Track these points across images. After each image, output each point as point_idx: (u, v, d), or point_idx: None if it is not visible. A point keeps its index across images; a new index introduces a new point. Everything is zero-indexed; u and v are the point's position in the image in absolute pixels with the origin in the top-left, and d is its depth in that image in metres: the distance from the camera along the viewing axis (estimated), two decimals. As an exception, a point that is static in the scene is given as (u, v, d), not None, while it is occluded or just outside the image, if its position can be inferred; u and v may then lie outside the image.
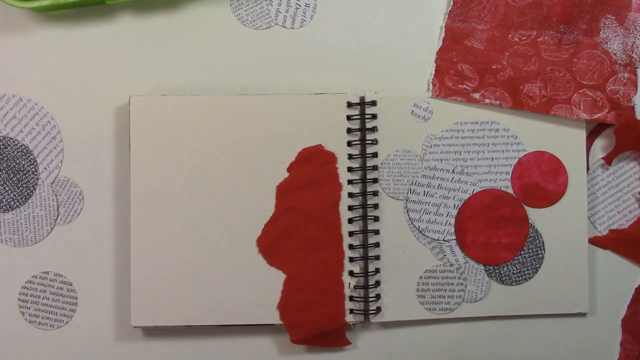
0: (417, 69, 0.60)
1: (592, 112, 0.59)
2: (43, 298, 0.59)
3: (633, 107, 0.59)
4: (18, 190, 0.58)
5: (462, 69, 0.59)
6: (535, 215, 0.60)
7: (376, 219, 0.59)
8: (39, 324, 0.59)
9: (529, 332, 0.60)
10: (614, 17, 0.60)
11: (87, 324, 0.59)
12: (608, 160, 0.60)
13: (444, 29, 0.60)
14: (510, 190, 0.59)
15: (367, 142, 0.59)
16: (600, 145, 0.61)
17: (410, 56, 0.60)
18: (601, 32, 0.60)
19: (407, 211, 0.59)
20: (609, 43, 0.60)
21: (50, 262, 0.59)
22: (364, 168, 0.59)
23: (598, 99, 0.59)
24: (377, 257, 0.59)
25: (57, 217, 0.59)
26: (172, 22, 0.60)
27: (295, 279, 0.58)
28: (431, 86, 0.59)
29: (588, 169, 0.61)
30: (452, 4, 0.60)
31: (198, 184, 0.58)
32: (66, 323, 0.59)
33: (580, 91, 0.59)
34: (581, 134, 0.60)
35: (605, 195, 0.61)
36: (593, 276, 0.61)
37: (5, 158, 0.58)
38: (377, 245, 0.59)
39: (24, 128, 0.59)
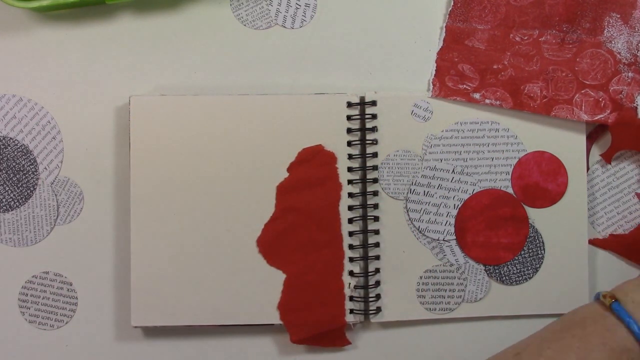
0: (417, 69, 0.59)
1: (594, 113, 0.58)
2: (43, 298, 0.58)
3: (636, 108, 0.58)
4: (18, 190, 0.57)
5: (462, 69, 0.58)
6: (535, 215, 0.59)
7: (376, 219, 0.58)
8: (39, 324, 0.58)
9: (529, 332, 0.59)
10: (618, 16, 0.58)
11: (87, 324, 0.58)
12: (607, 157, 0.59)
13: (444, 29, 0.59)
14: (510, 190, 0.58)
15: (367, 142, 0.58)
16: (601, 146, 0.60)
17: (410, 56, 0.60)
18: (605, 31, 0.58)
19: (407, 211, 0.58)
20: (613, 42, 0.58)
21: (50, 262, 0.58)
22: (364, 168, 0.58)
23: (600, 99, 0.58)
24: (377, 257, 0.58)
25: (57, 217, 0.58)
26: (172, 22, 0.59)
27: (295, 279, 0.57)
28: (431, 86, 0.58)
29: (588, 169, 0.59)
30: (452, 4, 0.59)
31: (198, 184, 0.57)
32: (66, 323, 0.58)
33: (583, 91, 0.58)
34: (581, 134, 0.59)
35: (605, 197, 0.60)
36: (593, 276, 0.60)
37: (5, 158, 0.57)
38: (377, 245, 0.58)
39: (24, 128, 0.58)
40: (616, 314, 0.50)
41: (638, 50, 0.58)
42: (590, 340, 0.50)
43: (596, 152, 0.60)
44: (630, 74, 0.58)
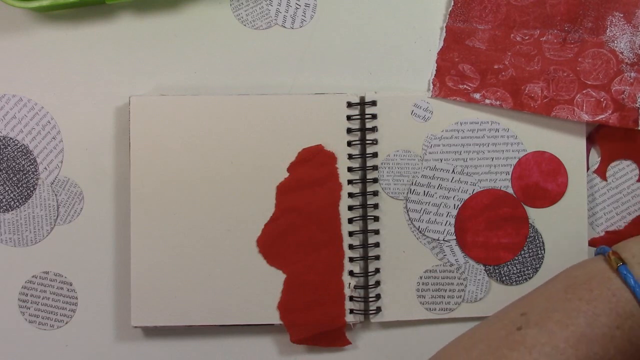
0: (417, 69, 0.59)
1: (595, 114, 0.57)
2: (43, 298, 0.57)
3: (638, 108, 0.57)
4: (18, 190, 0.57)
5: (463, 69, 0.58)
6: (535, 215, 0.58)
7: (376, 219, 0.57)
8: (39, 324, 0.57)
9: (529, 332, 0.58)
10: (621, 15, 0.57)
11: (87, 324, 0.57)
12: (601, 173, 0.59)
13: (444, 29, 0.58)
14: (510, 190, 0.58)
15: (367, 142, 0.57)
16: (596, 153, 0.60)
17: (410, 56, 0.59)
18: (607, 30, 0.57)
19: (407, 211, 0.57)
20: (615, 41, 0.57)
21: (50, 262, 0.57)
22: (364, 168, 0.57)
23: (602, 99, 0.57)
24: (377, 257, 0.57)
25: (57, 217, 0.57)
26: (172, 22, 0.58)
27: (295, 279, 0.56)
28: (431, 86, 0.58)
29: (588, 169, 0.59)
30: (452, 3, 0.58)
31: (198, 184, 0.56)
32: (66, 323, 0.57)
33: (584, 91, 0.57)
34: (581, 135, 0.58)
35: (604, 197, 0.59)
36: (593, 276, 0.59)
37: (5, 158, 0.57)
38: (377, 245, 0.57)
39: (24, 128, 0.57)
40: (622, 278, 0.49)
41: (641, 50, 0.58)
42: (597, 305, 0.49)
43: (596, 153, 0.59)
44: (632, 74, 0.57)
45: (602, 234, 0.59)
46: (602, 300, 0.49)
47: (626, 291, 0.49)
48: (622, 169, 0.59)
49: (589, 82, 0.57)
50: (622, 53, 0.57)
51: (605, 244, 0.59)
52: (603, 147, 0.59)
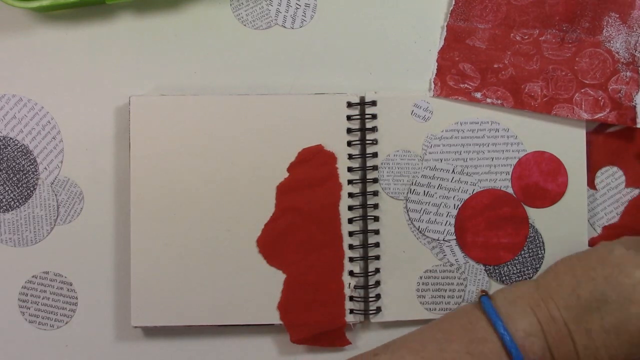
0: (417, 69, 0.59)
1: (594, 112, 0.57)
2: (43, 298, 0.57)
3: (634, 107, 0.57)
4: (18, 190, 0.57)
5: (463, 68, 0.58)
6: (535, 215, 0.58)
7: (376, 219, 0.57)
8: (39, 324, 0.57)
9: (529, 332, 0.58)
10: (617, 15, 0.58)
11: (87, 324, 0.58)
12: (590, 184, 0.59)
13: (445, 28, 0.59)
14: (510, 190, 0.58)
15: (367, 142, 0.57)
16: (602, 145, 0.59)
17: (411, 56, 0.59)
18: (604, 31, 0.58)
19: (407, 211, 0.57)
20: (611, 41, 0.58)
21: (50, 262, 0.57)
22: (364, 168, 0.57)
23: (600, 98, 0.57)
24: (377, 257, 0.57)
25: (57, 217, 0.57)
26: (172, 22, 0.59)
27: (295, 279, 0.56)
28: (432, 85, 0.58)
29: (588, 169, 0.59)
30: (453, 3, 0.58)
31: (198, 184, 0.56)
32: (66, 323, 0.57)
33: (582, 90, 0.57)
34: (581, 134, 0.58)
35: (605, 197, 0.59)
36: (593, 276, 0.59)
37: (5, 158, 0.57)
38: (377, 245, 0.57)
39: (24, 128, 0.57)
40: (482, 306, 0.51)
41: (636, 50, 0.58)
42: (453, 332, 0.51)
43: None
44: (628, 73, 0.58)
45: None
46: (458, 328, 0.51)
47: (482, 319, 0.51)
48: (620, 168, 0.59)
49: (587, 82, 0.58)
50: (617, 53, 0.58)
51: (604, 240, 0.59)
52: (589, 156, 0.58)
